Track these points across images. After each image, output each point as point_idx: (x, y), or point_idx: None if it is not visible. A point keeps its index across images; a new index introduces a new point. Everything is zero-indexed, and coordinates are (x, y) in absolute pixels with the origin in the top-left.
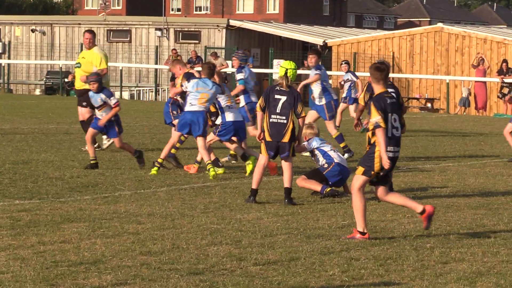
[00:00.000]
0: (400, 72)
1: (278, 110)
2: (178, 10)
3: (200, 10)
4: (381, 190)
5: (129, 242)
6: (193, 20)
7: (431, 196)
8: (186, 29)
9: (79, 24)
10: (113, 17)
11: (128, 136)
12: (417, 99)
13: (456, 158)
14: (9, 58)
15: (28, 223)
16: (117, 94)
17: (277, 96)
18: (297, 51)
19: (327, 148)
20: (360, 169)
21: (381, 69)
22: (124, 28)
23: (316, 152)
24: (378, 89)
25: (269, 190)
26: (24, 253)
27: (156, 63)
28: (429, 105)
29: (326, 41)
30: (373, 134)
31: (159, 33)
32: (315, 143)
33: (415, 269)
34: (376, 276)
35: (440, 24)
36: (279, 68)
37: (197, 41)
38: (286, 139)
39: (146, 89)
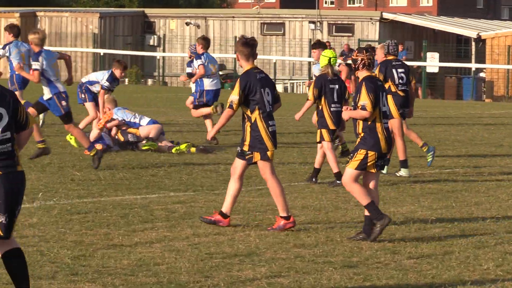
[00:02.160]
0: None
1: (335, 99)
2: (332, 3)
3: (354, 3)
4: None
5: (283, 234)
6: (346, 13)
7: None
8: (339, 22)
9: (233, 17)
10: (267, 10)
11: (282, 128)
12: None
13: None
14: (164, 51)
15: (183, 215)
16: None
17: (331, 86)
18: (451, 44)
19: None
20: (257, 156)
21: (249, 44)
22: (277, 21)
23: None
24: (247, 65)
25: (423, 184)
26: (179, 244)
27: (310, 56)
28: None
29: (480, 34)
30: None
31: (312, 26)
32: None
33: None
34: None
35: None
36: (321, 57)
37: (350, 34)
38: (343, 126)
39: (300, 82)
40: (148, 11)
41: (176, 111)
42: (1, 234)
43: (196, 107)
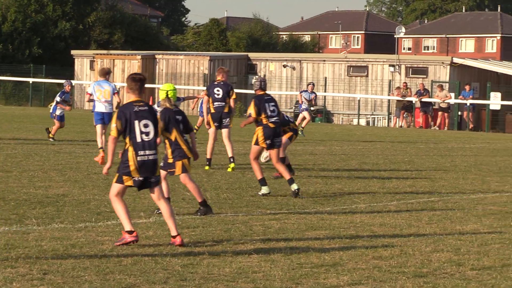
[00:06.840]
0: None
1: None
2: (409, 49)
3: (428, 49)
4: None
5: (363, 248)
6: (421, 57)
7: None
8: (415, 66)
9: (324, 60)
10: (353, 55)
11: (363, 157)
12: None
13: None
14: None
15: (277, 230)
16: (355, 121)
17: (177, 117)
18: None
19: None
20: (115, 176)
21: (136, 79)
22: (362, 64)
23: None
24: (131, 97)
25: (485, 205)
26: (273, 255)
27: (389, 94)
28: None
29: None
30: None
31: (392, 68)
32: None
33: None
34: None
35: None
36: (160, 91)
37: (424, 76)
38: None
39: (380, 117)
40: (251, 55)
41: None
42: None
43: None
